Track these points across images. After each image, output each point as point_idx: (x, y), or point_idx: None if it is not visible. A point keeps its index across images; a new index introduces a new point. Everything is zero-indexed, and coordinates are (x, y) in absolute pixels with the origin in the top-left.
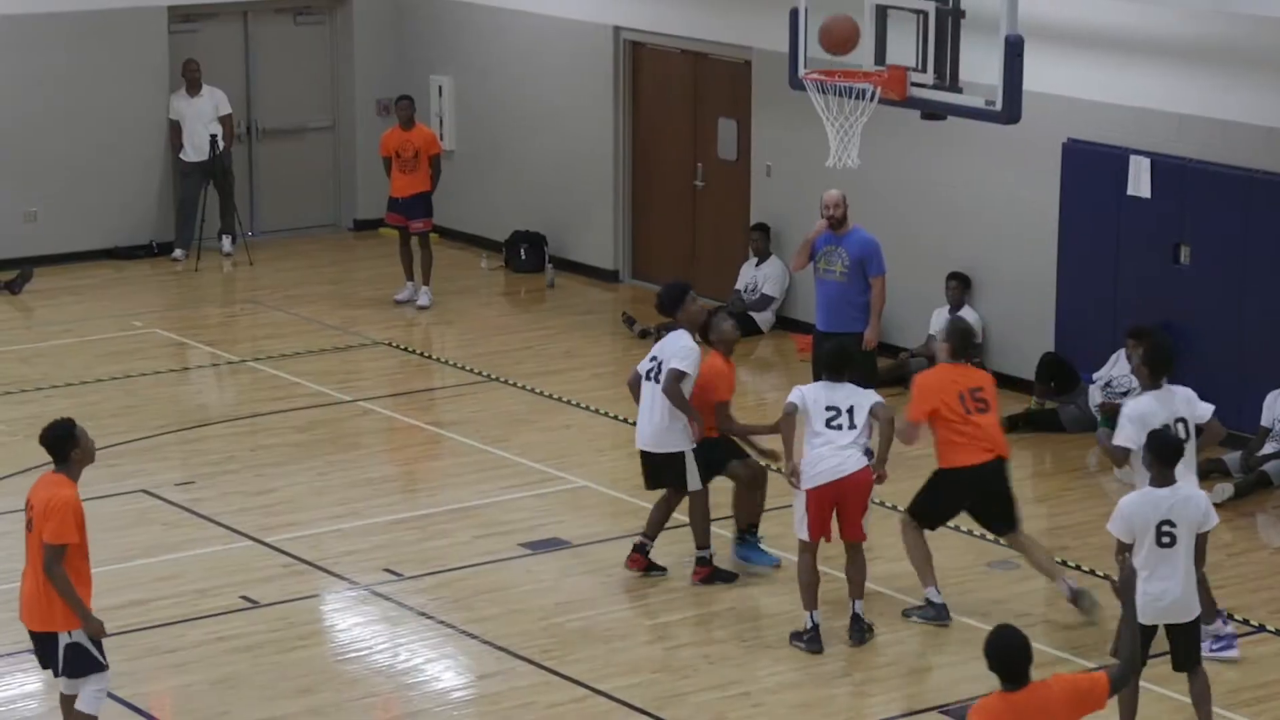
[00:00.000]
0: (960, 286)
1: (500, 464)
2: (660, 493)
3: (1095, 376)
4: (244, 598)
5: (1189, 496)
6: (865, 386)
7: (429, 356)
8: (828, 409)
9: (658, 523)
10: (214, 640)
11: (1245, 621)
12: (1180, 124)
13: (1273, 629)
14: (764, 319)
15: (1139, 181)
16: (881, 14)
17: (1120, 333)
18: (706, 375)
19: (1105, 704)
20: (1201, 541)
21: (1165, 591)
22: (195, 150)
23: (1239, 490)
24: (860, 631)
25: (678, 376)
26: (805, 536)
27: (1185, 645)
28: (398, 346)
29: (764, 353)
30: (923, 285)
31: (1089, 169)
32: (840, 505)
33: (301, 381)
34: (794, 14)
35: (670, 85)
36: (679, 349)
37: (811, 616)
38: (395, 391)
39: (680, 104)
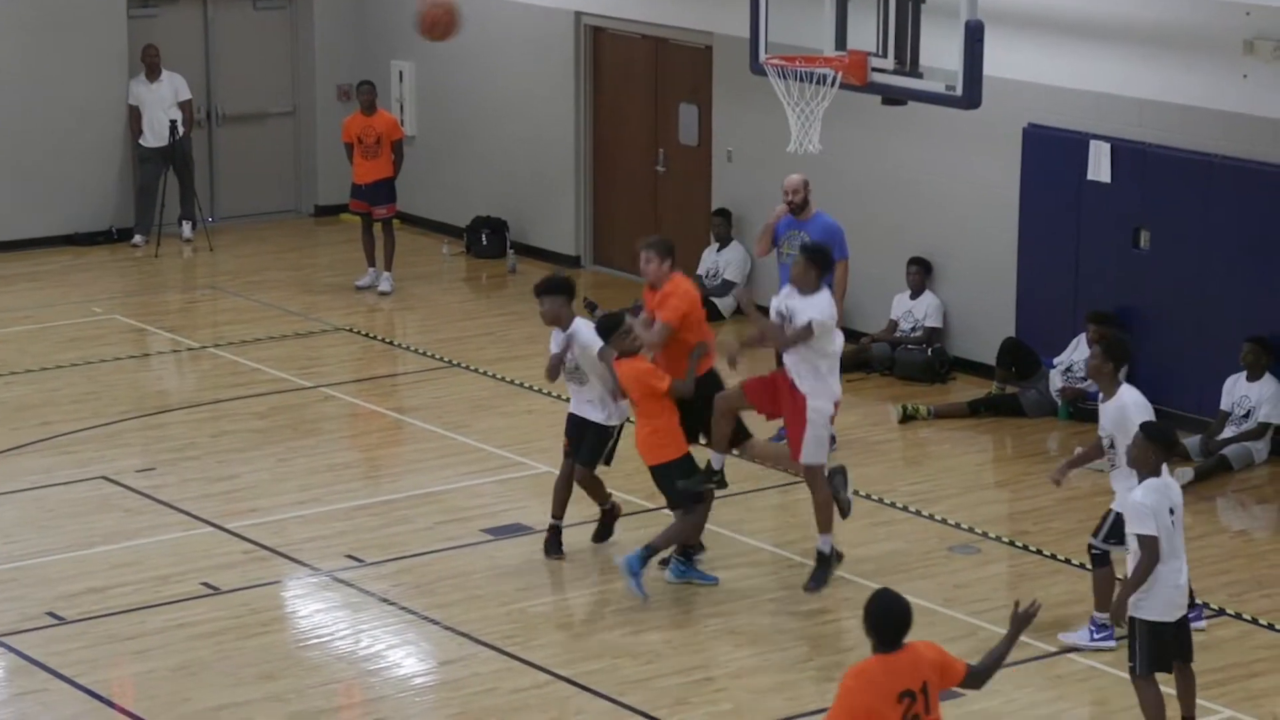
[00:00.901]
0: (921, 271)
1: (462, 450)
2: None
3: (1056, 361)
4: (205, 584)
5: (1172, 483)
6: None
7: (391, 342)
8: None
9: (596, 495)
10: (175, 627)
11: (1206, 605)
12: (1140, 109)
13: (1233, 612)
14: (725, 304)
15: (1099, 166)
16: None
17: (1081, 317)
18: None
19: (952, 685)
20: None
21: (1183, 581)
22: (155, 136)
23: (1199, 474)
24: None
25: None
26: (824, 460)
27: (1188, 635)
28: (359, 332)
29: (725, 338)
30: (884, 270)
31: (1049, 154)
32: None
33: (262, 367)
34: (755, 0)
35: (631, 70)
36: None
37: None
38: (357, 377)
39: (641, 89)
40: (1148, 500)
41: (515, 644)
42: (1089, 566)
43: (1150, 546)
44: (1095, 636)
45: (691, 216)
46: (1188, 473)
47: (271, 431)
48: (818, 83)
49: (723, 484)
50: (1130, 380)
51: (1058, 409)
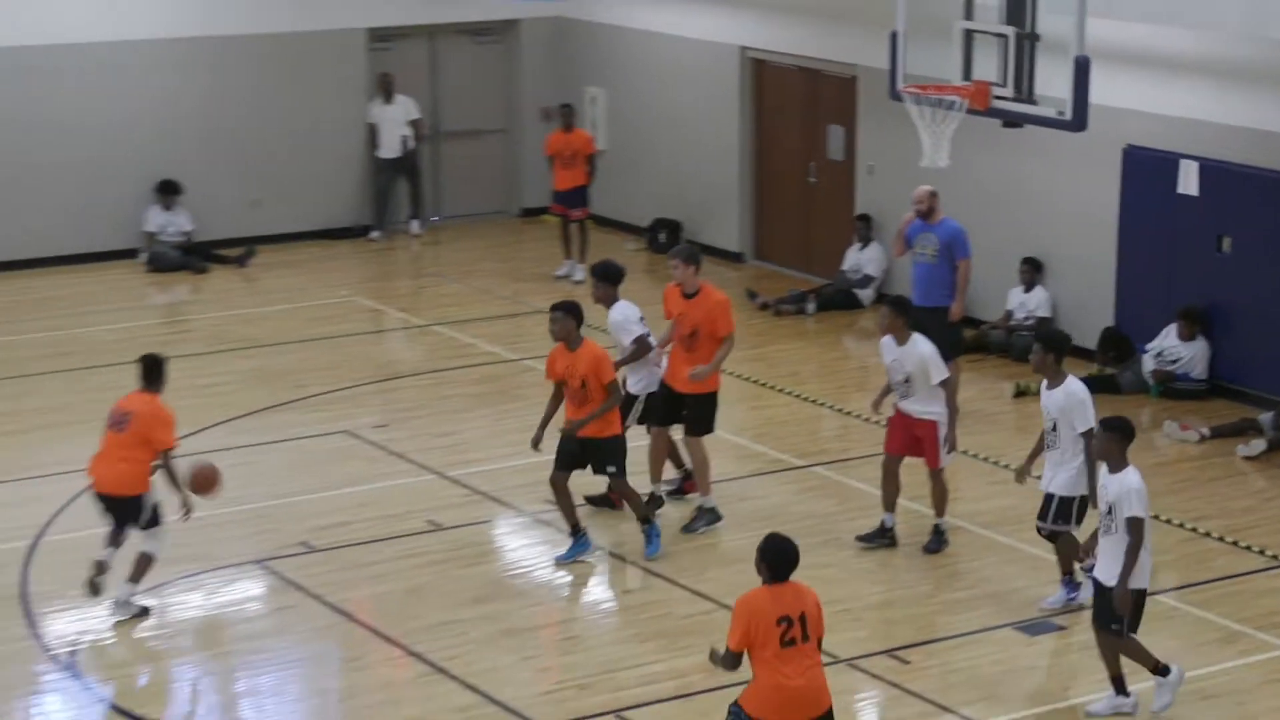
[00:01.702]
0: (1032, 270)
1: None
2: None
3: (1148, 347)
4: (430, 522)
5: None
6: (951, 355)
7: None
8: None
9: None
10: (405, 557)
11: (1275, 556)
12: (1225, 133)
13: None
14: (866, 295)
15: (1188, 181)
16: (968, 36)
17: (1171, 310)
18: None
19: (817, 636)
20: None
21: None
22: (389, 149)
23: (1271, 445)
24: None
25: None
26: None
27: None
28: None
29: (866, 324)
30: (1001, 268)
31: (1145, 171)
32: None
33: (477, 342)
34: (894, 36)
35: (787, 96)
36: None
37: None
38: None
39: (796, 112)
40: (1144, 486)
41: (687, 576)
42: (1165, 520)
43: (1142, 529)
44: (1069, 596)
45: (837, 221)
46: (1261, 444)
47: (485, 396)
48: (947, 108)
49: (894, 542)
50: (1213, 364)
51: (1150, 388)
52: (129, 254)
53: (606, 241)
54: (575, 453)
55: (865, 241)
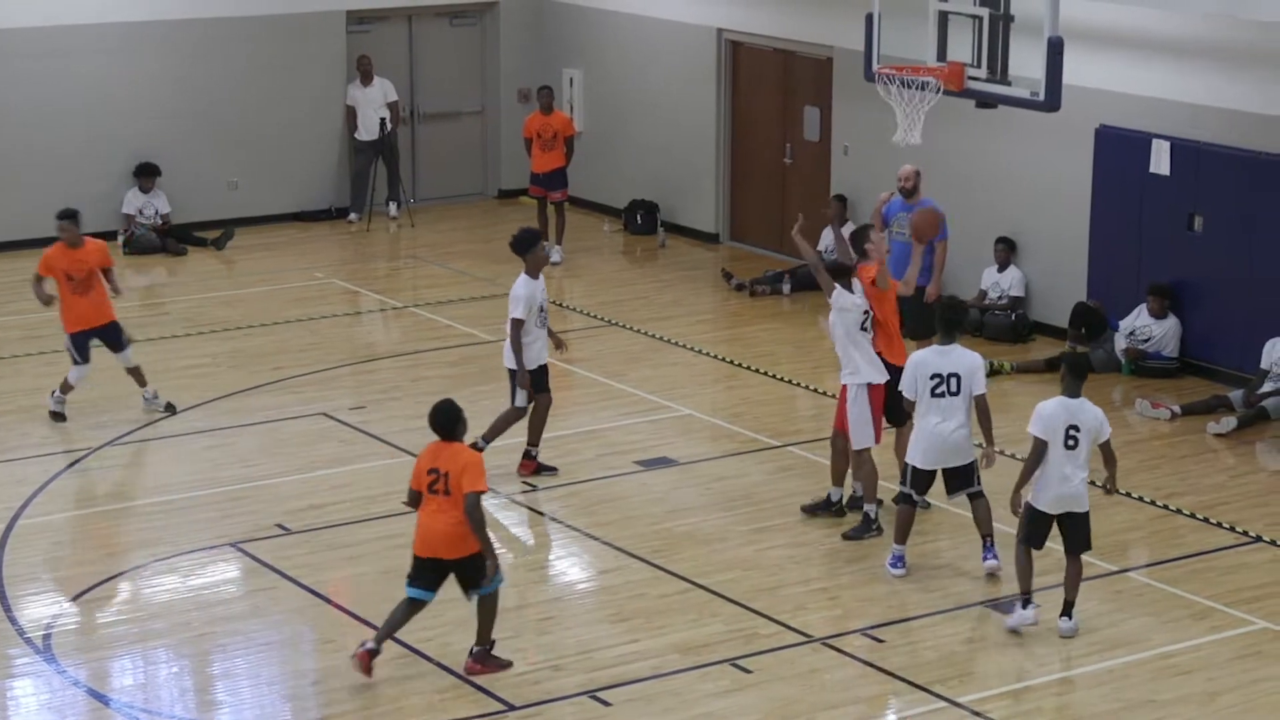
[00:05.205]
0: (1006, 249)
1: (619, 394)
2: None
3: (1121, 324)
4: (406, 504)
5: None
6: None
7: (560, 304)
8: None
9: (535, 429)
10: (382, 538)
11: (1245, 533)
12: (1195, 113)
13: (1269, 539)
14: None
15: (1159, 161)
16: (943, 17)
17: (1142, 289)
18: None
19: (463, 491)
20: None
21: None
22: (367, 131)
23: (1241, 423)
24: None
25: (516, 325)
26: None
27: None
28: None
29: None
30: (975, 247)
31: (1117, 150)
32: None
33: (454, 324)
34: (869, 18)
35: (763, 77)
36: (512, 296)
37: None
38: None
39: (772, 93)
40: (1043, 409)
41: (662, 557)
42: (1137, 497)
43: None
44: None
45: (813, 201)
46: (1231, 421)
47: (461, 378)
48: (921, 89)
49: (841, 513)
50: (1184, 342)
51: (1121, 366)
52: (107, 236)
53: (582, 223)
54: None
55: (840, 221)
